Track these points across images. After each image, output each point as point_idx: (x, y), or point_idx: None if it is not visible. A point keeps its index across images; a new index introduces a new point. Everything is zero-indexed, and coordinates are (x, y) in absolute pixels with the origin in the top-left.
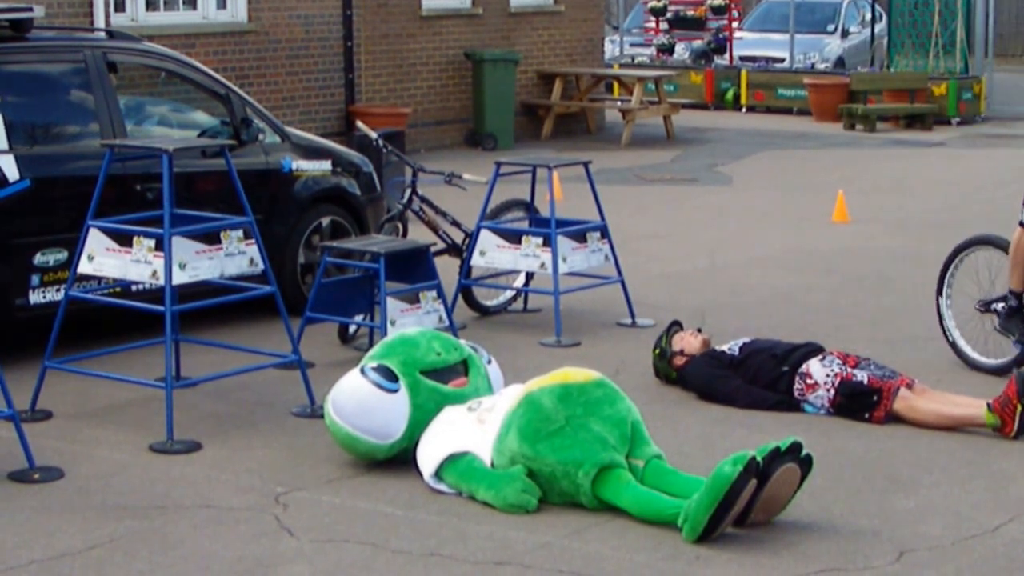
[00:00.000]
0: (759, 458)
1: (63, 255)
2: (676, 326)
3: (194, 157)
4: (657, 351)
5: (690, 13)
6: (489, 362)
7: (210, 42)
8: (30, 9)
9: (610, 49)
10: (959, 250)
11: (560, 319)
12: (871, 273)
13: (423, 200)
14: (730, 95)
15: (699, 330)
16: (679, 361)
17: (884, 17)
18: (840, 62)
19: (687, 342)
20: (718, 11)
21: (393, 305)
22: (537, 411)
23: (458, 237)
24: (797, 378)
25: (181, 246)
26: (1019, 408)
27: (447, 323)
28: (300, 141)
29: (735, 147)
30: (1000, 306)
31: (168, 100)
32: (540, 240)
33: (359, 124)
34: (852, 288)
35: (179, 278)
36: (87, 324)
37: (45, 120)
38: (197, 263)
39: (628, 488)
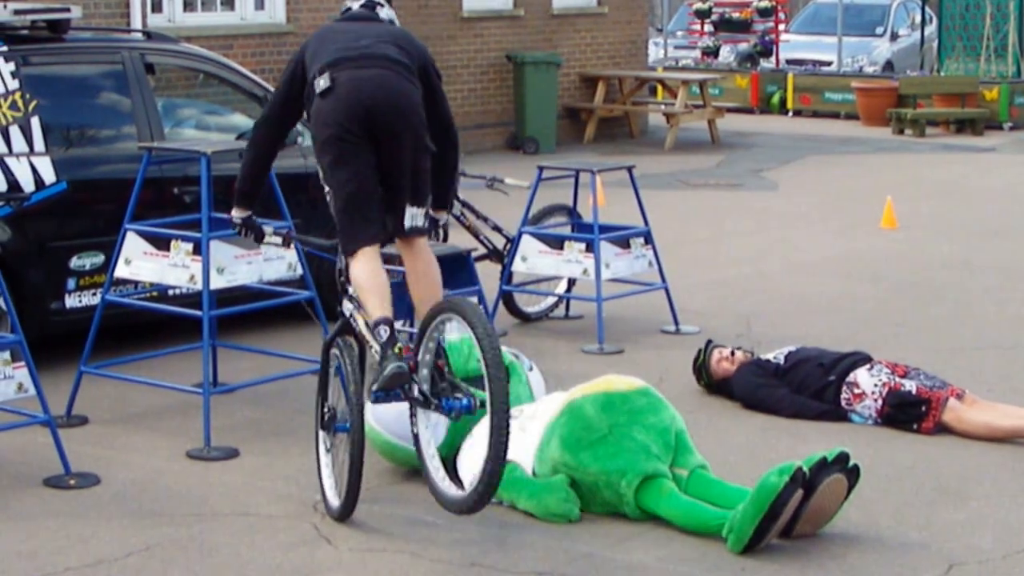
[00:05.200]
0: (806, 468)
1: (100, 259)
2: (709, 350)
3: (232, 160)
4: (704, 383)
5: (736, 15)
6: (531, 369)
7: (248, 43)
8: (68, 10)
9: (654, 52)
10: None
11: (603, 326)
12: (920, 281)
13: (464, 204)
14: (776, 99)
15: (733, 352)
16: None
17: (934, 19)
18: (889, 65)
19: (725, 370)
20: (764, 13)
21: None
22: (580, 419)
23: (499, 242)
24: (844, 387)
25: (219, 250)
26: None
27: None
28: None
29: (781, 152)
30: None
31: (206, 102)
32: (583, 246)
33: None
34: (900, 296)
35: (217, 283)
36: (123, 329)
37: (82, 122)
38: (235, 267)
39: (672, 498)
